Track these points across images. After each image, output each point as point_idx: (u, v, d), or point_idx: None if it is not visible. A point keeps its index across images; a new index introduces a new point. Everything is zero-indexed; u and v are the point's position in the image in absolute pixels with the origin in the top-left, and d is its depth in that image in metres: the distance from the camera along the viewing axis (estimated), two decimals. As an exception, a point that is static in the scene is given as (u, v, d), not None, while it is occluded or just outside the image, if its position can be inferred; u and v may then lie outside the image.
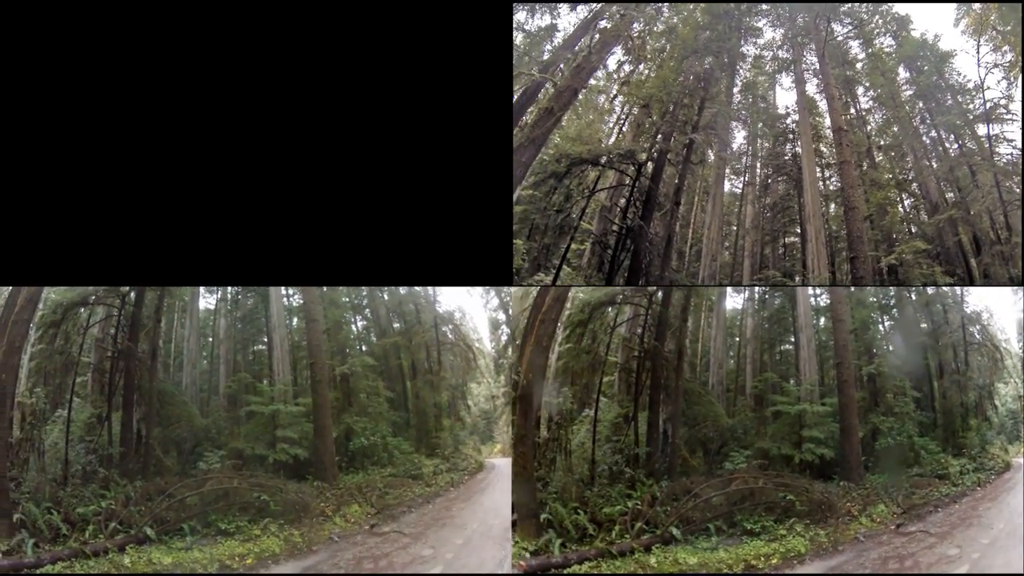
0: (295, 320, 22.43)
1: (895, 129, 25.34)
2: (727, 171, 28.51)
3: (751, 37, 27.01)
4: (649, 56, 25.45)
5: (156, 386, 19.18)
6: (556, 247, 23.64)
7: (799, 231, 26.56)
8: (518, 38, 24.17)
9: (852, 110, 26.51)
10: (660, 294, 19.58)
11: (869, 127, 26.38)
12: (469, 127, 14.27)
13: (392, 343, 23.24)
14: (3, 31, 13.58)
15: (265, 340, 22.09)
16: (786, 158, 27.79)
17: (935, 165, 23.72)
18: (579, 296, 20.17)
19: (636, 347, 19.44)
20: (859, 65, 26.58)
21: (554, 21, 24.63)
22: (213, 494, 16.92)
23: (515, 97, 22.57)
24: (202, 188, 13.91)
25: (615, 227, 24.40)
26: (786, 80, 27.97)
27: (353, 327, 23.90)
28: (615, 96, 26.81)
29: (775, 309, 22.15)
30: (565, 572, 14.41)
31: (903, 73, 25.43)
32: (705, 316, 22.18)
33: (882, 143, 25.93)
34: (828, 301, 21.21)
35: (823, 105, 26.73)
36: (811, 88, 26.92)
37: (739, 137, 28.56)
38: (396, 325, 23.68)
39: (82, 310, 19.30)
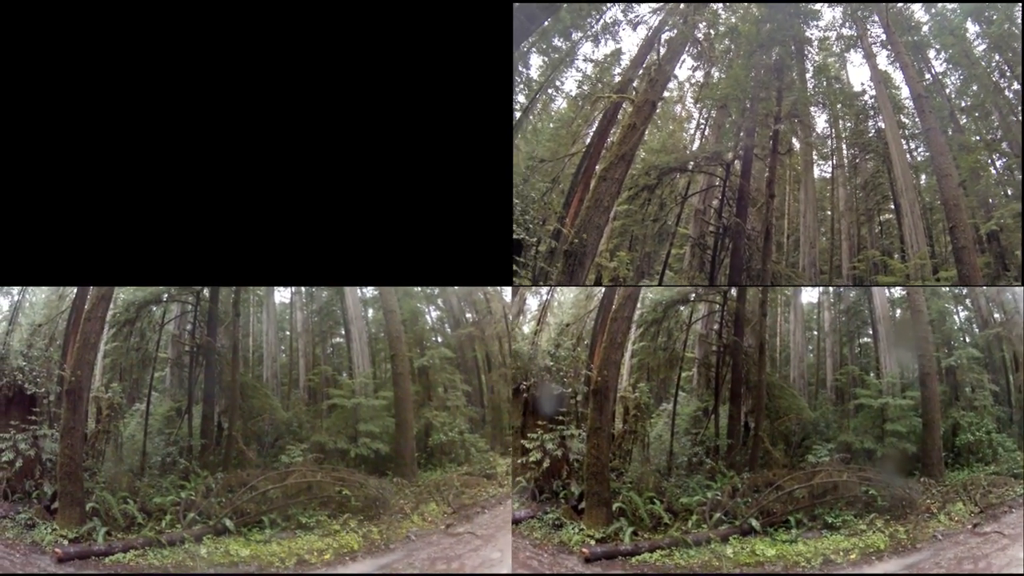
0: (370, 311, 22.51)
1: (974, 88, 24.19)
2: (814, 156, 28.16)
3: (811, 20, 26.06)
4: (718, 58, 25.80)
5: (238, 379, 19.26)
6: (657, 254, 24.19)
7: (893, 207, 25.94)
8: (588, 68, 25.30)
9: (927, 75, 25.30)
10: (735, 290, 19.56)
11: (948, 90, 25.20)
12: (470, 126, 14.10)
13: (466, 334, 23.07)
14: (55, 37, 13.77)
15: (343, 333, 22.30)
16: (870, 135, 26.85)
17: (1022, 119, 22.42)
18: (649, 296, 20.16)
19: (715, 342, 19.39)
20: (925, 28, 25.28)
21: (618, 46, 25.45)
22: (296, 487, 16.85)
23: (597, 120, 23.43)
24: (199, 187, 13.86)
25: (712, 228, 24.55)
26: (856, 57, 26.99)
27: (428, 318, 23.74)
28: (696, 101, 27.34)
29: (851, 302, 21.84)
30: (633, 560, 14.42)
31: (972, 27, 24.12)
32: (782, 311, 22.07)
33: (963, 104, 24.73)
34: (904, 292, 20.79)
35: (897, 76, 25.82)
36: (882, 61, 25.95)
37: (821, 121, 27.82)
38: (468, 316, 23.49)
39: (155, 308, 19.58)
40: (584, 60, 25.42)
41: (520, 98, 23.51)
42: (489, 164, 14.22)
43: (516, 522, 16.32)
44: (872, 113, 26.95)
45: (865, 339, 21.23)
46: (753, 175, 23.82)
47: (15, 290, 19.31)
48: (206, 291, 19.46)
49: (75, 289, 17.57)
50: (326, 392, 20.86)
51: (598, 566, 14.38)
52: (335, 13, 14.09)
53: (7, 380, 16.81)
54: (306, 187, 13.95)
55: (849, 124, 27.82)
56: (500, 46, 14.36)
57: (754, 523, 15.39)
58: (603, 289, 19.43)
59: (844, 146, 28.28)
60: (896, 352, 19.96)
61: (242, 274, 14.09)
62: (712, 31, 25.46)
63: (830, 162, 28.75)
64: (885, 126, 25.52)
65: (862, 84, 27.17)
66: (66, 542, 14.50)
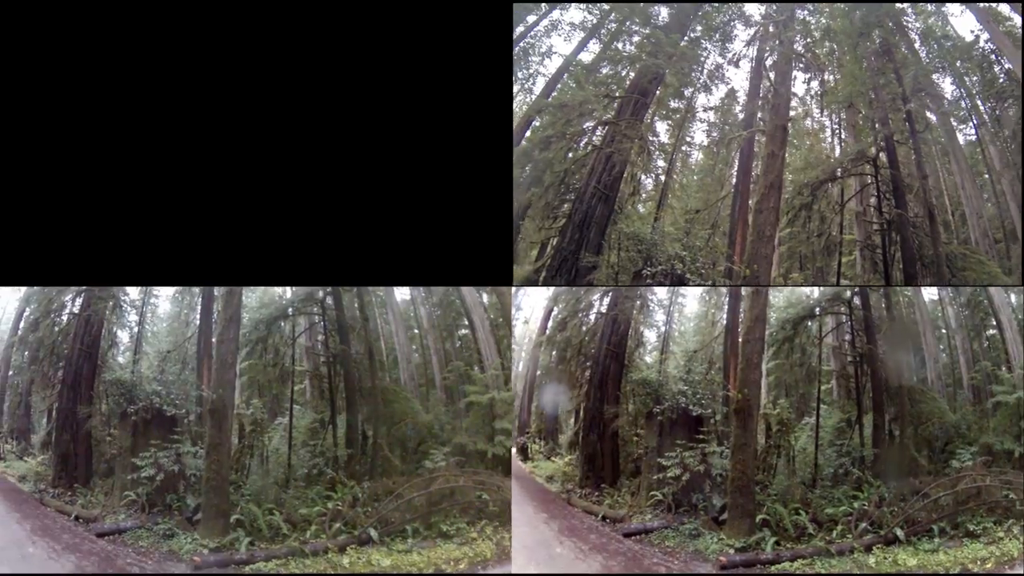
0: (484, 296, 22.18)
1: (1101, -15, 20.29)
2: (954, 123, 26.38)
3: (897, -9, 24.01)
4: (825, 62, 25.40)
5: (378, 385, 19.55)
6: (829, 267, 24.48)
7: (1053, 149, 22.78)
8: (710, 116, 25.60)
9: (1037, -7, 21.91)
10: (857, 299, 19.20)
11: (1067, 0, 21.64)
12: (470, 127, 14.33)
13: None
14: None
15: (466, 323, 22.21)
16: (1001, 81, 24.80)
17: None
18: (773, 317, 19.68)
19: (849, 353, 19.04)
20: (1012, -56, 22.02)
21: (729, 86, 25.48)
22: (439, 494, 17.06)
23: (736, 160, 23.84)
24: (193, 185, 14.09)
25: (876, 226, 24.25)
26: (954, 7, 25.23)
27: (535, 292, 22.24)
28: (822, 109, 27.12)
29: (969, 294, 20.89)
30: (772, 569, 14.60)
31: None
32: (907, 312, 21.18)
33: (1093, 10, 20.74)
34: (1016, 271, 18.52)
35: (1004, 8, 24.36)
36: (982, 0, 23.12)
37: (947, 86, 26.01)
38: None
39: (283, 323, 19.83)
40: (704, 110, 25.76)
41: (660, 162, 24.00)
42: (490, 164, 14.37)
43: (648, 531, 16.61)
44: (994, 57, 25.04)
45: (991, 331, 20.42)
46: (901, 162, 22.53)
47: (134, 320, 19.97)
48: (329, 299, 19.47)
49: (199, 317, 18.70)
50: (462, 390, 20.80)
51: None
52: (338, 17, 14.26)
53: (143, 404, 17.43)
54: (316, 189, 14.26)
55: (975, 77, 26.38)
56: (500, 46, 14.57)
57: (899, 532, 15.30)
58: (726, 315, 19.97)
59: (979, 102, 25.88)
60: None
61: (245, 275, 14.46)
62: (809, 39, 24.90)
63: (971, 123, 27.38)
64: (1012, 65, 23.78)
65: (971, 32, 25.37)
66: (206, 551, 14.91)
